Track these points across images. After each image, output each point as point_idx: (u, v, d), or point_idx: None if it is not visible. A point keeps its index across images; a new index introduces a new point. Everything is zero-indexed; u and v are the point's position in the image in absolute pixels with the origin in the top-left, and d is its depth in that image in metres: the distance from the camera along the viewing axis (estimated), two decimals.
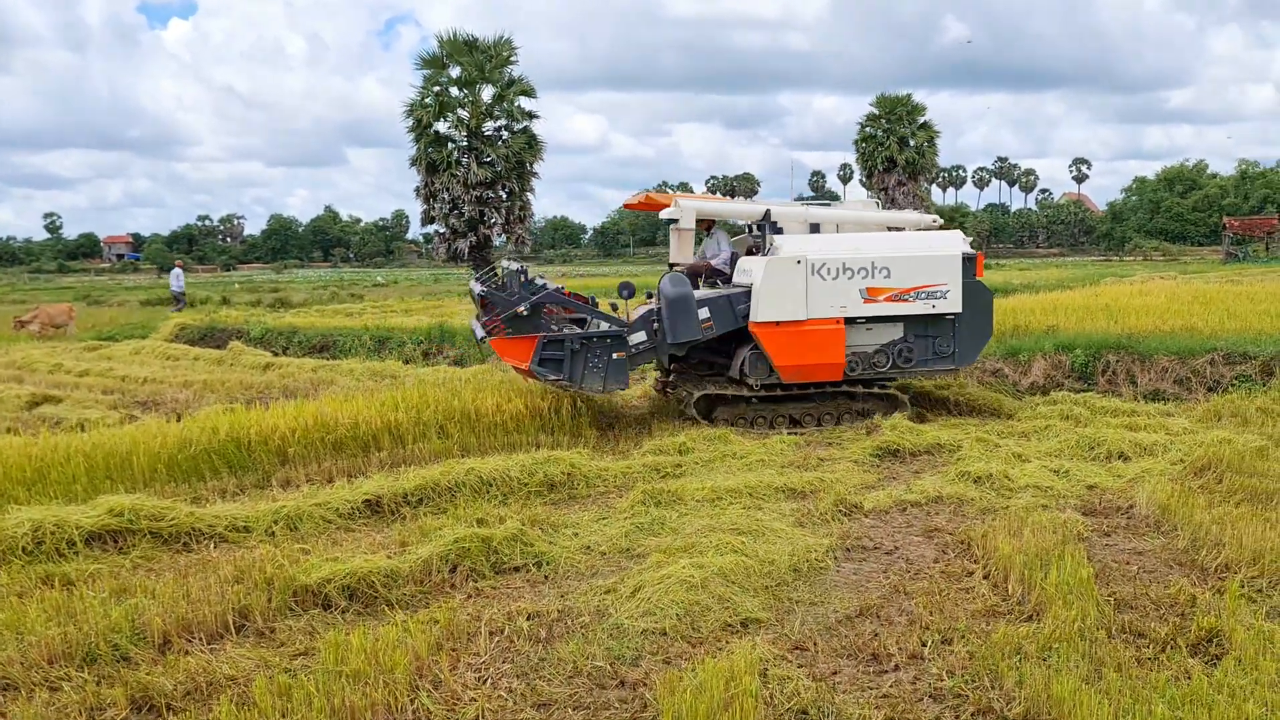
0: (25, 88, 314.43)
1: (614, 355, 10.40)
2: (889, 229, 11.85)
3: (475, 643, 5.13)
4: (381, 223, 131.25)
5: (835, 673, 4.81)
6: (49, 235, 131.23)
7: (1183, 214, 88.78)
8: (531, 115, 37.31)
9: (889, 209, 12.82)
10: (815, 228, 11.45)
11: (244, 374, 16.00)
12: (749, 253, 11.51)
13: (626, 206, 13.15)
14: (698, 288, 11.37)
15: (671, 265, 11.82)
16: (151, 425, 9.68)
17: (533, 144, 36.89)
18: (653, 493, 7.82)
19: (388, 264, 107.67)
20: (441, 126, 36.50)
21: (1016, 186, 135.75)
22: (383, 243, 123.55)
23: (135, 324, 25.82)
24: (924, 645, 5.06)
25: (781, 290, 10.45)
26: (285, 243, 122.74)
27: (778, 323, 10.48)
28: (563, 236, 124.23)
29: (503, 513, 7.34)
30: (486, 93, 36.14)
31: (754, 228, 11.67)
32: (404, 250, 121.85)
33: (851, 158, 60.41)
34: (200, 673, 4.75)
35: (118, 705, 4.47)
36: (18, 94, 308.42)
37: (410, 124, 36.63)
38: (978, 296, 11.07)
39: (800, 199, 15.48)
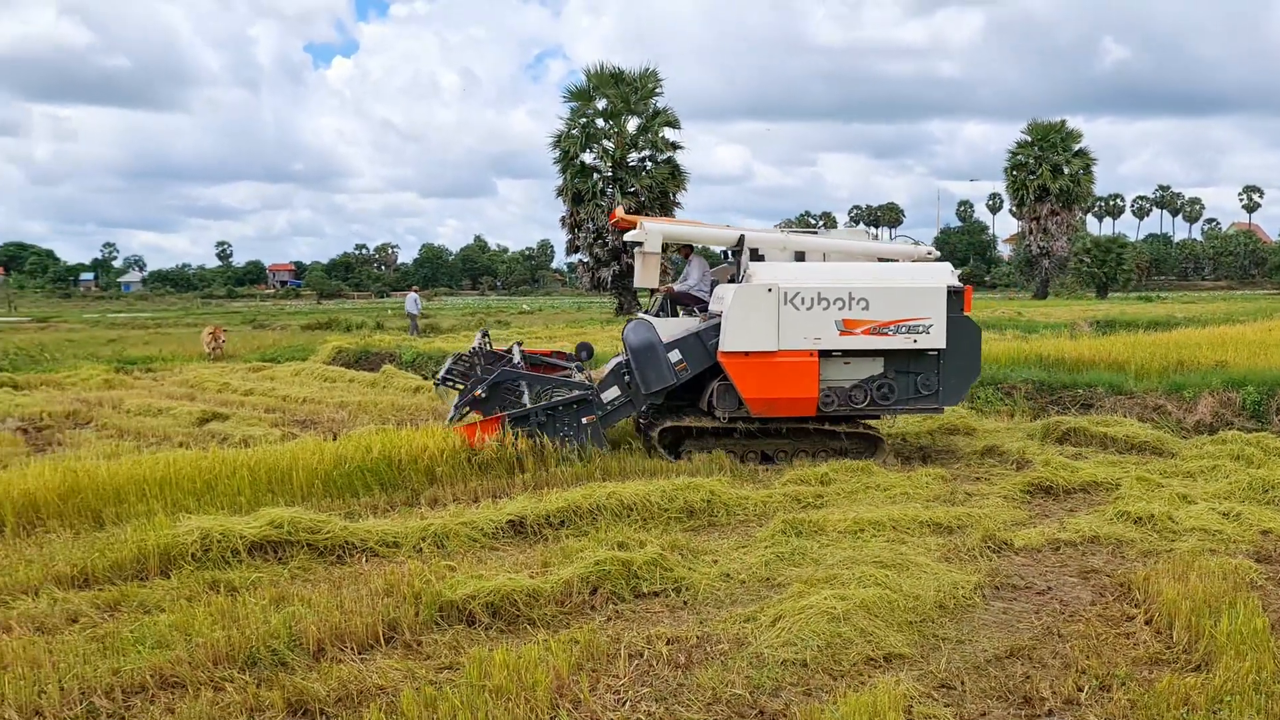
0: (202, 124, 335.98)
1: (583, 420, 10.10)
2: (880, 260, 11.19)
3: (615, 665, 5.15)
4: (527, 252, 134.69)
5: (984, 714, 4.63)
6: (220, 262, 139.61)
7: None
8: (675, 146, 37.67)
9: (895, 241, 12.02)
10: (800, 256, 10.94)
11: (396, 396, 16.58)
12: (730, 281, 11.01)
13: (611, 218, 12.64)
14: (676, 315, 11.05)
15: (634, 289, 11.50)
16: (310, 443, 10.12)
17: (676, 174, 37.22)
18: (793, 522, 7.72)
19: (533, 292, 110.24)
20: (587, 157, 37.24)
21: (1180, 216, 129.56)
22: (528, 271, 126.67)
23: (296, 347, 27.10)
24: (1080, 690, 4.82)
25: (751, 319, 9.98)
26: (436, 271, 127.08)
27: (747, 353, 10.02)
28: None
29: (643, 537, 7.37)
30: (632, 124, 36.71)
31: (728, 254, 11.23)
32: (549, 279, 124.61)
33: (1001, 186, 58.68)
34: (351, 681, 4.91)
35: (275, 708, 4.66)
36: (196, 131, 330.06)
37: (557, 155, 37.45)
38: (964, 332, 10.40)
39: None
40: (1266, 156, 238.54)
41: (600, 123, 36.47)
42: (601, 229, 36.88)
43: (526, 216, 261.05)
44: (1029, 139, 55.61)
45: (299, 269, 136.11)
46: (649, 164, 37.07)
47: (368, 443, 9.64)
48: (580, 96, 36.16)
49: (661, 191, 36.83)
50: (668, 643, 5.43)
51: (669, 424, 10.52)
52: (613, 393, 10.39)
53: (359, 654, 5.32)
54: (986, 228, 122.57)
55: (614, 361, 10.66)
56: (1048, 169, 54.14)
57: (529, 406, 10.12)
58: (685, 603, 6.24)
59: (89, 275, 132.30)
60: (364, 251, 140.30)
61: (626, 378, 10.39)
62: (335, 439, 10.52)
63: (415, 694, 4.65)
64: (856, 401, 10.31)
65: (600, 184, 36.50)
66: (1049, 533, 7.67)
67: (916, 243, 11.61)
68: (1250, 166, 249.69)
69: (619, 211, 11.80)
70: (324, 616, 5.59)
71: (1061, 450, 10.87)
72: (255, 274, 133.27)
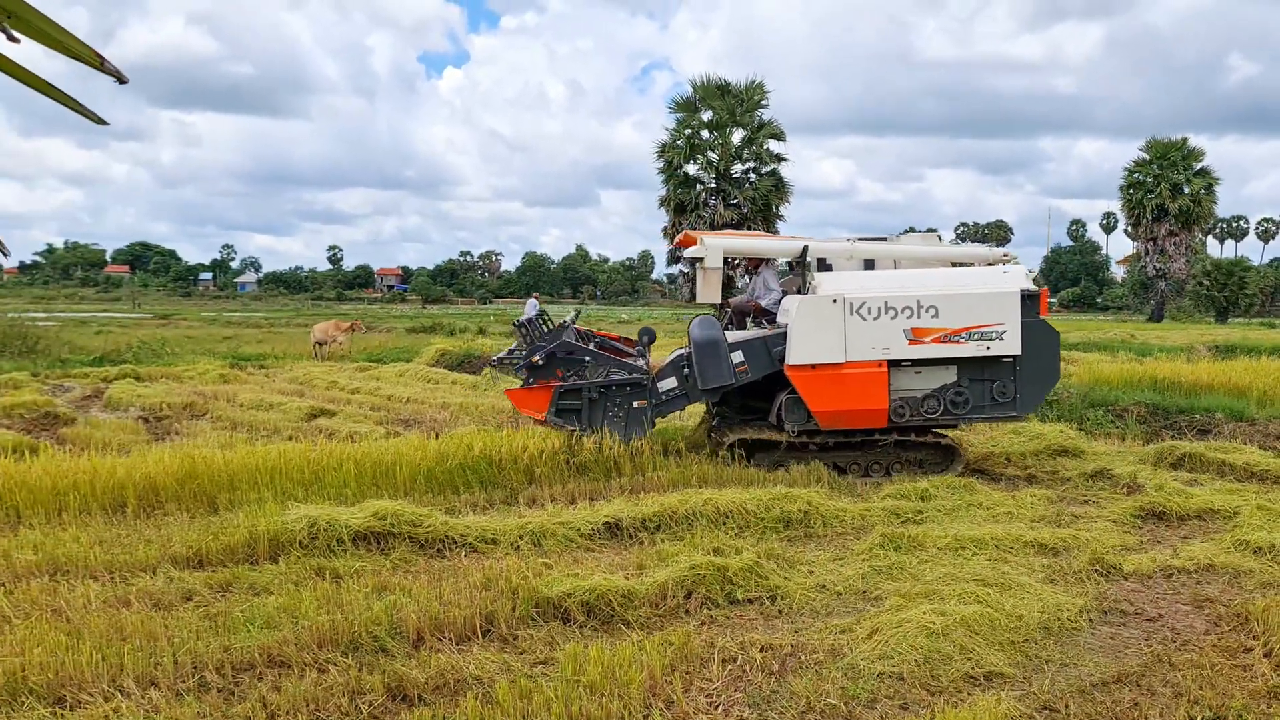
0: (319, 131, 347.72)
1: (634, 404, 10.08)
2: (954, 265, 10.87)
3: (708, 668, 5.14)
4: (628, 262, 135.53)
5: None
6: (331, 266, 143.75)
7: None
8: (780, 158, 37.46)
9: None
10: (870, 264, 10.70)
11: (497, 399, 16.82)
12: (798, 293, 10.81)
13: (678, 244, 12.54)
14: (745, 328, 10.84)
15: (717, 304, 11.28)
16: (413, 440, 10.37)
17: (780, 187, 37.01)
18: (892, 536, 7.60)
19: (632, 302, 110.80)
20: (691, 168, 37.28)
21: None
22: (628, 282, 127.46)
23: (401, 349, 27.76)
24: None
25: (817, 331, 9.80)
26: (538, 279, 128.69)
27: (814, 365, 9.85)
28: None
29: (738, 544, 7.33)
30: (736, 135, 36.64)
31: (792, 266, 10.96)
32: (648, 289, 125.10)
33: (1116, 205, 56.81)
34: (449, 670, 5.01)
35: (375, 691, 4.78)
36: (313, 137, 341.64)
37: (661, 165, 37.60)
38: (1040, 337, 10.06)
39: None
40: None
41: (705, 134, 36.48)
42: None
43: (628, 227, 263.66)
44: (1147, 157, 53.74)
45: (406, 274, 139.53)
46: (753, 175, 36.94)
47: (469, 441, 9.83)
48: (686, 108, 36.25)
49: (765, 204, 36.66)
50: (762, 650, 5.40)
51: (741, 437, 10.39)
52: (669, 383, 10.34)
53: (456, 644, 5.43)
54: (1099, 248, 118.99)
55: (675, 353, 10.60)
56: (1167, 188, 52.22)
57: (582, 381, 10.21)
58: (780, 611, 6.20)
59: (207, 275, 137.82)
60: (468, 258, 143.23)
61: (685, 371, 10.33)
62: (437, 437, 10.73)
63: (511, 685, 4.72)
64: (930, 411, 10.09)
65: (703, 194, 36.52)
66: (1161, 559, 7.39)
67: (993, 245, 11.37)
68: None
69: (688, 234, 11.90)
70: (424, 606, 5.71)
71: (1176, 476, 10.46)
72: (364, 278, 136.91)
